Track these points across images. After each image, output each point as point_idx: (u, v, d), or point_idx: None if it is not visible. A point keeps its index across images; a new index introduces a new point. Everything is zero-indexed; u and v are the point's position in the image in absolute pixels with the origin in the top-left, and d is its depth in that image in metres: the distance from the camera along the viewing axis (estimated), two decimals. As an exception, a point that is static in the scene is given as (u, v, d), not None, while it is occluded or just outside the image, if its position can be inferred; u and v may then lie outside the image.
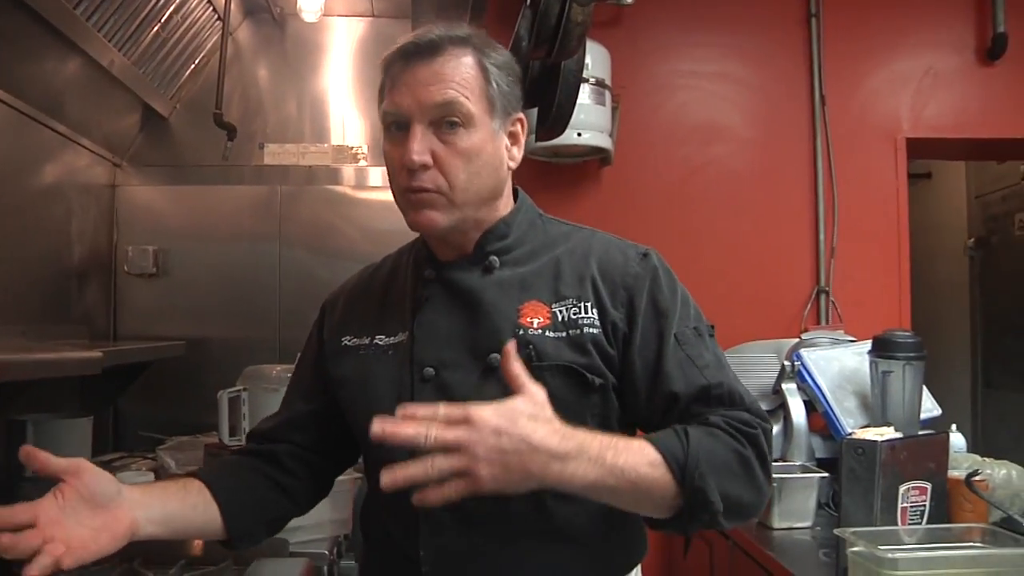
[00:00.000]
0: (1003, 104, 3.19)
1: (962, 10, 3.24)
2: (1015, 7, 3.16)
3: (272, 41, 3.14)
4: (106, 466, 2.44)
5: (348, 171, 3.08)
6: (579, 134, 2.78)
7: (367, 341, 1.30)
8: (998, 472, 2.03)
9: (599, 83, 2.86)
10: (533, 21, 1.87)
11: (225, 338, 2.99)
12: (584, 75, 2.70)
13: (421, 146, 1.17)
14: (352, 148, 3.11)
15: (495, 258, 1.26)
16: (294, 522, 2.17)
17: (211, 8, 2.85)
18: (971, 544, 1.72)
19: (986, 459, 2.14)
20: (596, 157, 3.03)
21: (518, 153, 1.31)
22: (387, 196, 3.02)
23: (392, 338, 1.28)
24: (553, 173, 3.12)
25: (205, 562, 2.03)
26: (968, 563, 1.64)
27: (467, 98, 1.19)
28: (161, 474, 2.40)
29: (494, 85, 1.23)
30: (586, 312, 1.22)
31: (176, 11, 2.67)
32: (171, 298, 3.01)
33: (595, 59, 2.83)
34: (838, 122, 3.18)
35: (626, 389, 1.23)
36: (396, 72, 1.20)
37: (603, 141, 2.88)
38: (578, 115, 2.63)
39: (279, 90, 3.13)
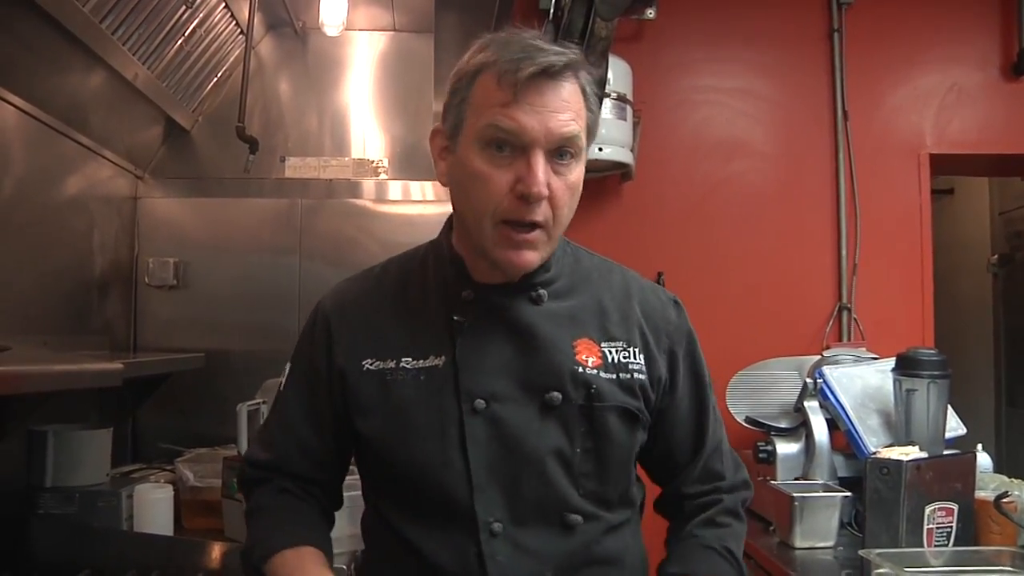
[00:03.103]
0: (1029, 120, 3.16)
1: (986, 26, 3.22)
2: (1040, 23, 3.14)
3: (294, 55, 3.16)
4: (125, 478, 2.45)
5: (368, 184, 3.09)
6: (600, 149, 2.77)
7: (392, 364, 1.20)
8: (1026, 494, 2.00)
9: (620, 98, 2.86)
10: (556, 36, 1.87)
11: (244, 351, 2.99)
12: (606, 90, 2.69)
13: (545, 176, 1.10)
14: (373, 162, 3.11)
15: (543, 291, 1.21)
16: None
17: (234, 22, 2.87)
18: (1001, 568, 1.69)
19: (1013, 480, 2.10)
20: (617, 172, 3.02)
21: None
22: (407, 210, 3.07)
23: (422, 361, 1.20)
24: (573, 188, 3.11)
25: (223, 575, 2.03)
26: (996, 587, 1.61)
27: (581, 129, 1.14)
28: (179, 486, 2.40)
29: (592, 112, 1.18)
30: (635, 357, 1.23)
31: (200, 25, 2.69)
32: (191, 310, 3.02)
33: (617, 74, 2.82)
34: (861, 138, 3.16)
35: (657, 433, 1.28)
36: (520, 87, 1.09)
37: (624, 156, 2.87)
38: (599, 130, 2.62)
39: (300, 103, 3.15)
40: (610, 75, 2.71)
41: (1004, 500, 1.87)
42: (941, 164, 3.23)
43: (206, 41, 2.81)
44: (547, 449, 1.17)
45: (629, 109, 2.89)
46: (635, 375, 1.22)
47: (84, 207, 2.67)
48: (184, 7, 2.51)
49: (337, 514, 2.25)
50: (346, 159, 3.12)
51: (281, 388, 1.32)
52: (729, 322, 2.87)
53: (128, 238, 2.99)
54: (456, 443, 1.16)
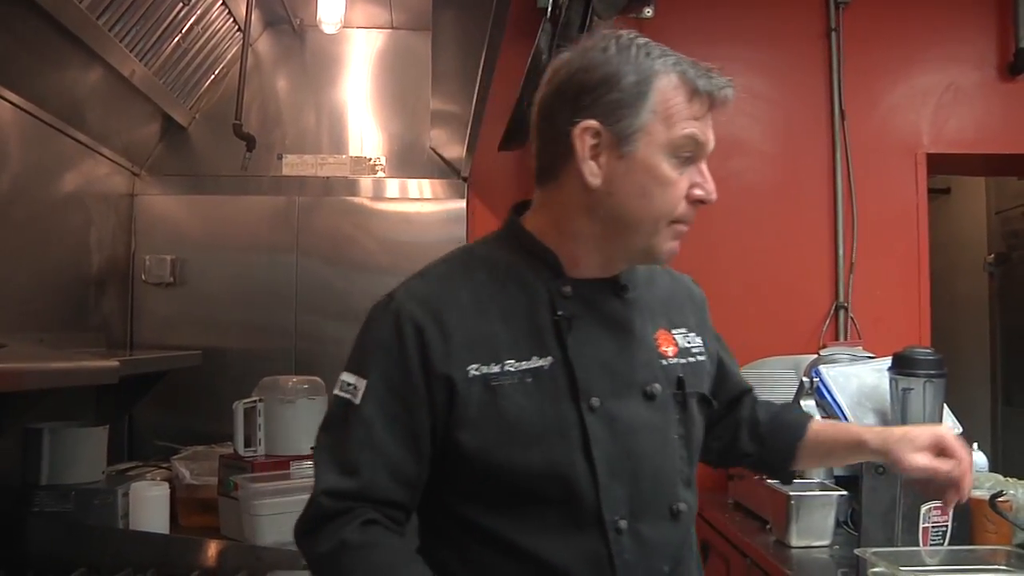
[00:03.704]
0: (1024, 120, 3.17)
1: (983, 25, 3.22)
2: (1037, 23, 3.14)
3: (292, 52, 3.15)
4: (121, 475, 2.45)
5: (366, 182, 3.09)
6: (597, 147, 2.77)
7: (497, 369, 1.14)
8: (1022, 493, 2.01)
9: (618, 96, 2.85)
10: (553, 35, 1.87)
11: (241, 348, 2.99)
12: (603, 88, 2.69)
13: None
14: (370, 159, 3.11)
15: (626, 284, 1.22)
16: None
17: (231, 19, 2.86)
18: (996, 567, 1.70)
19: (1009, 479, 2.11)
20: (614, 170, 3.02)
21: None
22: (404, 207, 3.07)
23: (526, 362, 1.15)
24: (570, 186, 3.11)
25: (218, 573, 2.03)
26: (992, 586, 1.62)
27: None
28: (175, 483, 2.40)
29: None
30: (695, 341, 1.29)
31: (197, 22, 2.68)
32: (188, 307, 3.01)
33: (614, 72, 2.82)
34: (858, 137, 3.16)
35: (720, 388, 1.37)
36: (714, 105, 1.16)
37: (621, 154, 2.87)
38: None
39: (298, 101, 3.14)
40: (608, 73, 2.71)
41: (999, 499, 1.88)
42: (938, 163, 3.24)
43: (203, 38, 2.80)
44: (655, 441, 1.20)
45: (627, 107, 2.89)
46: (698, 358, 1.28)
47: (81, 204, 2.66)
48: (181, 4, 2.51)
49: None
50: (343, 157, 3.12)
51: (356, 404, 1.16)
52: (726, 321, 2.83)
53: (125, 235, 2.99)
54: (578, 444, 1.14)
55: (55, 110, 2.37)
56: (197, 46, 2.80)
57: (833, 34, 3.17)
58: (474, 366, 1.13)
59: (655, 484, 1.19)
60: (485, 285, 1.19)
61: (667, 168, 1.14)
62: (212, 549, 2.10)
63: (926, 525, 1.88)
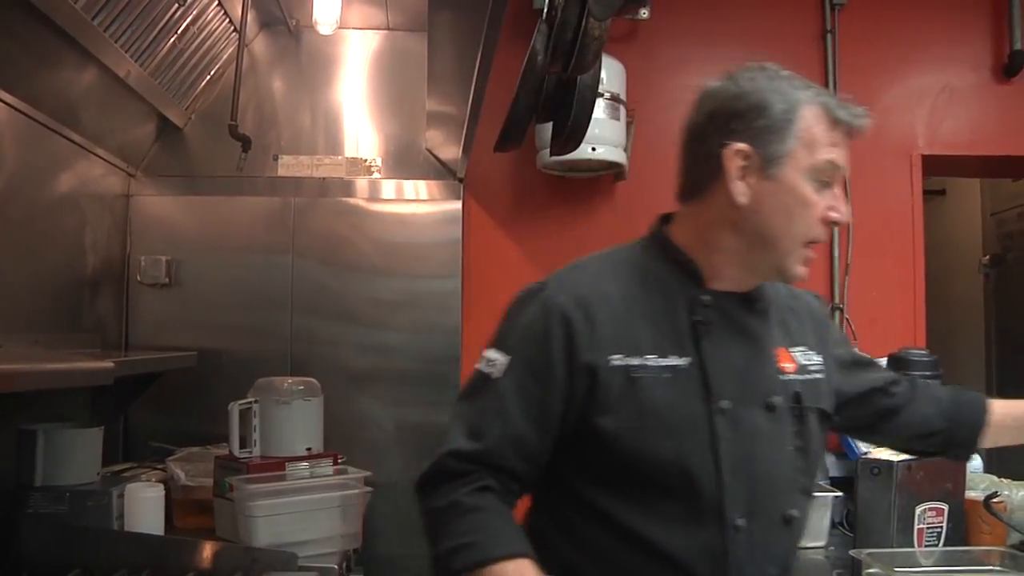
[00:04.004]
0: (1019, 121, 3.17)
1: (978, 27, 3.23)
2: (1032, 25, 3.15)
3: (287, 53, 3.15)
4: (116, 476, 2.44)
5: (362, 183, 3.08)
6: (593, 148, 2.78)
7: (637, 361, 1.24)
8: (1016, 494, 2.01)
9: (614, 98, 2.86)
10: (549, 36, 1.87)
11: (237, 349, 2.98)
12: (599, 90, 2.69)
13: None
14: (366, 160, 3.11)
15: (760, 303, 1.33)
16: (303, 536, 2.19)
17: (227, 20, 2.86)
18: (991, 568, 1.70)
19: (1003, 480, 2.11)
20: (610, 172, 3.02)
21: None
22: (400, 208, 3.07)
23: (665, 360, 1.25)
24: (567, 188, 3.11)
25: (215, 574, 2.03)
26: (986, 587, 1.62)
27: None
28: (170, 485, 2.39)
29: None
30: (814, 359, 1.37)
31: (193, 22, 2.68)
32: (183, 309, 3.01)
33: (610, 74, 2.83)
34: (853, 139, 3.16)
35: (861, 387, 1.47)
36: (852, 135, 1.29)
37: (617, 156, 2.87)
38: (593, 130, 2.62)
39: (294, 102, 3.14)
40: (603, 75, 2.70)
41: (994, 500, 1.88)
42: (933, 165, 3.24)
43: (199, 39, 2.80)
44: (772, 450, 1.28)
45: (623, 109, 2.90)
46: (816, 375, 1.36)
47: (76, 205, 2.66)
48: (177, 4, 2.50)
49: (329, 513, 2.27)
50: (339, 158, 3.11)
51: (494, 377, 1.26)
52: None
53: (120, 236, 2.98)
54: (706, 442, 1.23)
55: (50, 110, 2.37)
56: (193, 47, 2.79)
57: (829, 36, 3.18)
58: (617, 356, 1.23)
59: (770, 489, 1.27)
60: (631, 285, 1.29)
61: (808, 190, 1.24)
62: (207, 550, 2.10)
63: (921, 526, 1.88)
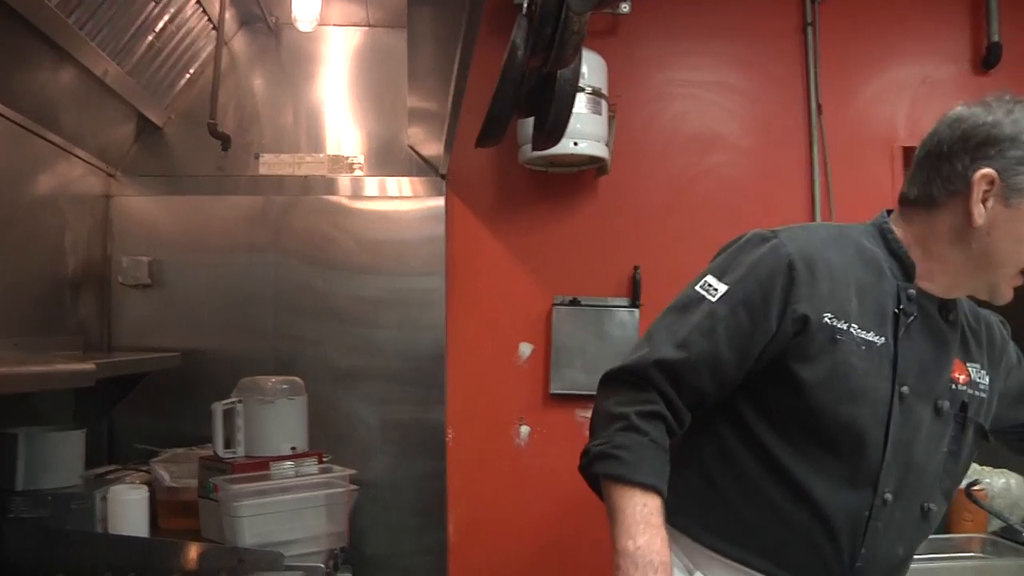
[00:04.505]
0: (999, 113, 3.19)
1: (957, 20, 3.25)
2: (1009, 17, 3.17)
3: (267, 51, 3.13)
4: (99, 479, 2.43)
5: (344, 181, 3.07)
6: (575, 143, 2.78)
7: (844, 326, 1.33)
8: (997, 481, 2.03)
9: (595, 92, 2.86)
10: (529, 31, 1.86)
11: (220, 349, 2.96)
12: (580, 84, 2.69)
13: None
14: (348, 158, 3.10)
15: (953, 313, 1.42)
16: (289, 536, 2.18)
17: (206, 18, 2.84)
18: (972, 554, 1.71)
19: (984, 468, 2.13)
20: (592, 167, 3.02)
21: None
22: (383, 206, 3.06)
23: (866, 334, 1.34)
24: (549, 183, 3.11)
25: (200, 575, 2.02)
26: (968, 573, 1.63)
27: None
28: (155, 487, 2.38)
29: None
30: (984, 378, 1.46)
31: (171, 21, 2.66)
32: (166, 309, 2.99)
33: (591, 68, 2.83)
34: (834, 131, 3.18)
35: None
36: None
37: (599, 150, 2.87)
38: (574, 125, 2.62)
39: (275, 100, 3.12)
40: (584, 69, 2.71)
41: (975, 488, 1.89)
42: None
43: (177, 37, 2.78)
44: (929, 446, 1.38)
45: (604, 103, 2.90)
46: (982, 393, 1.45)
47: (55, 206, 2.63)
48: (153, 2, 2.48)
49: (315, 512, 2.26)
50: (321, 155, 3.10)
51: (710, 300, 1.35)
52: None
53: (101, 237, 2.96)
54: (881, 417, 1.33)
55: (27, 111, 2.35)
56: (171, 45, 2.77)
57: (809, 28, 3.19)
58: (828, 315, 1.32)
59: (920, 479, 1.38)
60: (851, 260, 1.38)
61: None
62: (192, 551, 2.09)
63: (904, 515, 1.88)
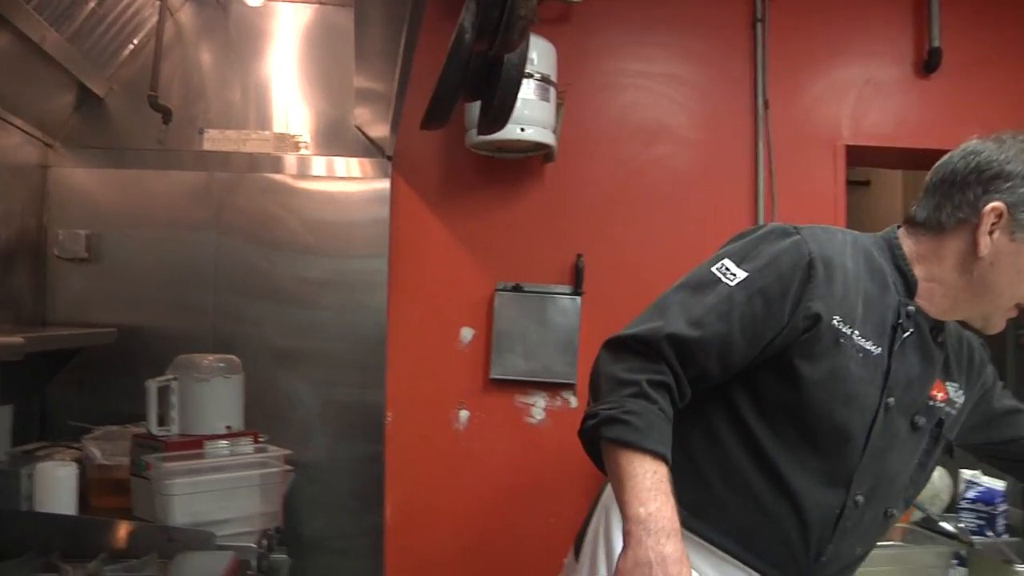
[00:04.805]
0: (938, 116, 3.27)
1: (901, 24, 3.32)
2: (949, 24, 3.25)
3: (215, 24, 3.07)
4: (27, 456, 2.37)
5: (290, 160, 3.04)
6: (522, 129, 2.78)
7: (847, 331, 1.37)
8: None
9: (544, 79, 2.86)
10: (477, 14, 1.85)
11: (158, 326, 2.91)
12: (529, 71, 2.69)
13: None
14: (294, 136, 3.06)
15: (943, 334, 1.48)
16: (221, 515, 2.16)
17: (151, -13, 2.78)
18: (894, 543, 1.76)
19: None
20: (539, 153, 3.03)
21: None
22: (329, 186, 3.04)
23: (865, 342, 1.38)
24: (496, 168, 3.11)
25: (128, 555, 1.99)
26: (888, 561, 1.68)
27: None
28: (86, 464, 2.34)
29: None
30: (960, 398, 1.52)
31: (114, -11, 2.60)
32: (104, 284, 2.93)
33: (541, 55, 2.83)
34: (780, 127, 3.23)
35: (1005, 423, 1.66)
36: None
37: (546, 137, 2.88)
38: (521, 111, 2.63)
39: (221, 75, 3.07)
40: (534, 55, 2.72)
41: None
42: (856, 156, 3.32)
43: (121, 5, 2.71)
44: (902, 457, 1.46)
45: (552, 90, 2.90)
46: (955, 411, 1.51)
47: (-12, 175, 2.56)
48: (96, -31, 2.43)
49: (248, 492, 2.24)
50: (267, 133, 3.06)
51: (727, 284, 1.37)
52: (647, 305, 2.91)
53: (36, 209, 2.89)
54: (867, 424, 1.39)
55: (-40, 76, 2.28)
56: (114, 13, 2.71)
57: (759, 24, 3.23)
58: (837, 318, 1.36)
59: (889, 486, 1.45)
60: (861, 269, 1.42)
61: None
62: (122, 530, 2.05)
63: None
